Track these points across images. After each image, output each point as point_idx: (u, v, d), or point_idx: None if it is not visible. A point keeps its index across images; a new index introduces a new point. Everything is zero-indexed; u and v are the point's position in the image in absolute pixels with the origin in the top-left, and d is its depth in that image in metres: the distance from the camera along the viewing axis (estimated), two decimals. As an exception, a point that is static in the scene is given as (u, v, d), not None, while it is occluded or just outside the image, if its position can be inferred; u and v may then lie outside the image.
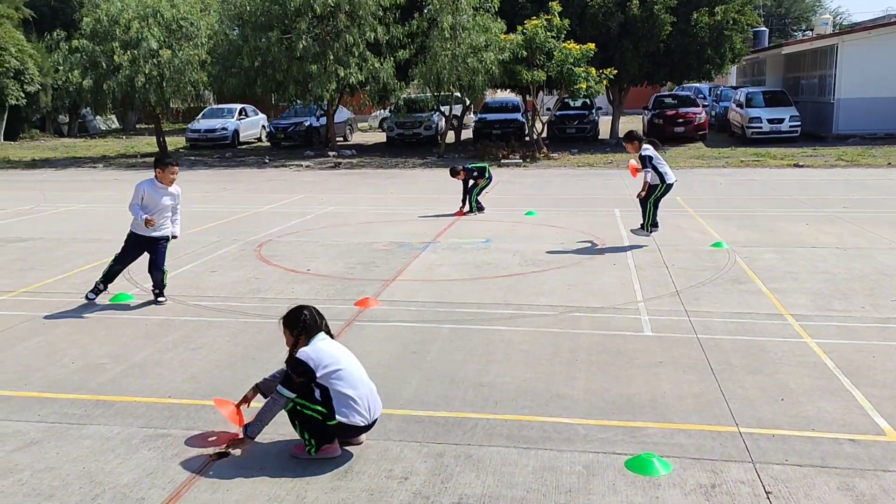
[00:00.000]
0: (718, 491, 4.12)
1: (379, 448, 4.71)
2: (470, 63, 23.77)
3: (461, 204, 13.71)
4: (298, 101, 27.55)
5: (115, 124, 48.97)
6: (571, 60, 23.70)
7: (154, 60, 25.67)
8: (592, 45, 24.04)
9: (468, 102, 30.54)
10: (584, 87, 23.96)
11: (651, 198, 10.35)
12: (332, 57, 24.56)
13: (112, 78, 25.59)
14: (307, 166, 24.36)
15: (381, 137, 36.10)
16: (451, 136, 30.85)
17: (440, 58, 24.05)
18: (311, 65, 24.06)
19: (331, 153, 27.23)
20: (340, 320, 7.29)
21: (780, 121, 27.27)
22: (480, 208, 13.74)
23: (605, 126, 32.06)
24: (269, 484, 4.31)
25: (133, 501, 4.16)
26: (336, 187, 18.39)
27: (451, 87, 25.09)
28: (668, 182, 10.35)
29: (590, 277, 8.78)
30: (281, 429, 4.94)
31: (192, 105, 30.52)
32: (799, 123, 27.26)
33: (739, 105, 29.11)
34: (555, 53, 23.83)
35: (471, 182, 13.64)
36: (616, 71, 24.89)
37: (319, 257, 10.12)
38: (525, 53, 23.84)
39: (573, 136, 30.57)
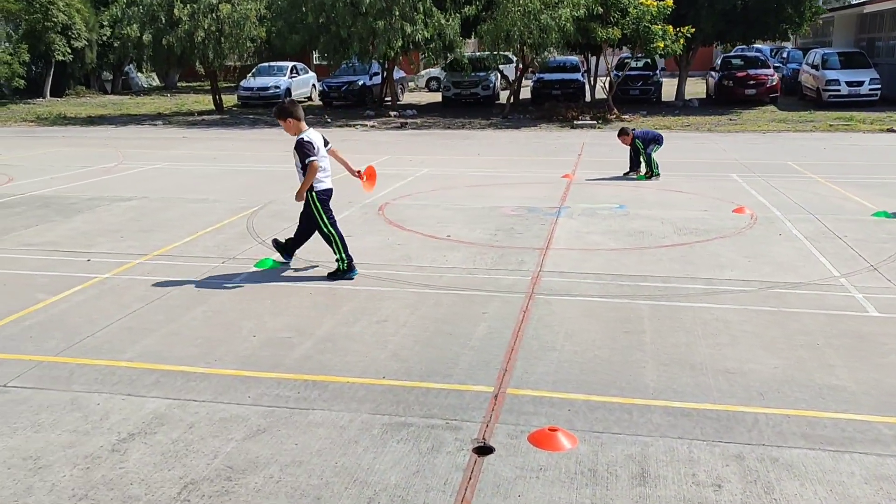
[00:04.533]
0: None
1: (661, 445, 4.13)
2: (543, 19, 22.77)
3: (629, 169, 13.16)
4: (356, 59, 26.73)
5: (156, 82, 48.44)
6: (648, 18, 22.72)
7: (213, 15, 24.97)
8: (670, 2, 23.01)
9: (528, 61, 29.47)
10: (662, 45, 22.98)
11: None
12: (397, 13, 23.69)
13: (171, 33, 24.93)
14: (372, 126, 23.67)
15: (429, 97, 35.32)
16: (506, 97, 29.94)
17: (510, 13, 23.07)
18: (377, 21, 23.23)
19: (392, 113, 26.50)
20: (517, 292, 6.71)
21: (860, 84, 26.08)
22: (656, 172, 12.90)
23: (666, 88, 31.06)
24: (562, 488, 3.76)
25: (417, 507, 3.62)
26: (415, 149, 17.69)
27: (521, 46, 24.14)
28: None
29: (763, 249, 8.10)
30: (540, 418, 4.39)
31: (247, 62, 29.70)
32: (879, 87, 26.08)
33: (815, 67, 27.87)
34: (630, 10, 22.84)
35: (646, 146, 12.87)
36: (693, 29, 23.84)
37: (452, 223, 9.51)
38: (600, 10, 22.83)
39: (636, 98, 29.47)
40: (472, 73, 28.98)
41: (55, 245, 8.53)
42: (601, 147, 17.53)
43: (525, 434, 4.28)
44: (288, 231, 9.10)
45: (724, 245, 8.25)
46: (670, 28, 23.05)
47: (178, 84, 47.73)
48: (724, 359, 5.26)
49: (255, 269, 7.55)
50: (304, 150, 7.04)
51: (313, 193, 7.22)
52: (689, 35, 23.48)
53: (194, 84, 49.00)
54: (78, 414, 4.58)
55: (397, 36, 23.59)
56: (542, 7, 22.78)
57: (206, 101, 33.50)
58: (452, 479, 3.85)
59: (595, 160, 15.37)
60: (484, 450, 4.15)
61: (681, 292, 6.69)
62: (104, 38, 36.54)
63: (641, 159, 12.95)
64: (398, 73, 34.61)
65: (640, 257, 7.83)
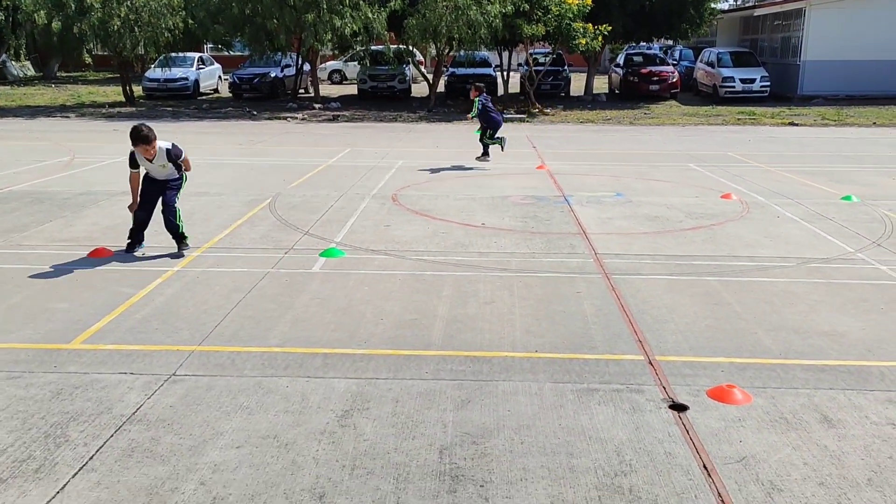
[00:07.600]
0: None
1: (822, 395, 4.77)
2: (472, 15, 23.35)
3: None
4: (277, 52, 26.47)
5: (31, 71, 45.56)
6: (570, 15, 23.78)
7: (128, 3, 23.98)
8: (589, 0, 24.16)
9: (445, 54, 29.96)
10: (584, 42, 24.11)
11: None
12: (325, 6, 23.60)
13: (81, 20, 23.73)
14: (303, 119, 23.52)
15: (336, 90, 35.36)
16: (419, 90, 30.37)
17: (437, 8, 23.50)
18: (307, 13, 23.10)
19: (316, 105, 26.38)
20: (591, 273, 7.24)
21: (752, 81, 28.32)
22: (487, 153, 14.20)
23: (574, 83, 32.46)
24: (771, 433, 4.31)
25: (661, 456, 4.08)
26: (367, 141, 17.81)
27: (446, 41, 24.62)
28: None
29: (774, 230, 9.01)
30: (703, 379, 4.92)
31: (162, 53, 28.48)
32: (769, 84, 28.39)
33: (710, 65, 30.01)
34: (552, 8, 23.81)
35: (483, 114, 13.82)
36: (611, 27, 25.12)
37: (474, 212, 9.91)
38: (526, 7, 23.68)
39: (546, 93, 30.66)
40: (381, 67, 29.20)
41: (92, 240, 8.29)
42: (548, 140, 18.33)
43: (702, 392, 4.82)
44: (321, 222, 9.27)
45: (739, 227, 9.11)
46: (590, 26, 24.21)
47: (58, 74, 45.08)
48: (815, 323, 6.00)
49: (322, 258, 7.68)
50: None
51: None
52: (606, 33, 24.74)
53: (75, 74, 46.53)
54: (276, 396, 4.73)
55: (326, 28, 23.54)
56: (471, 3, 23.36)
57: (101, 92, 32.03)
58: (672, 432, 4.34)
59: (552, 151, 16.12)
60: (677, 406, 4.65)
61: (735, 269, 7.42)
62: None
63: (476, 118, 14.04)
64: (306, 66, 34.32)
65: (674, 240, 8.55)
